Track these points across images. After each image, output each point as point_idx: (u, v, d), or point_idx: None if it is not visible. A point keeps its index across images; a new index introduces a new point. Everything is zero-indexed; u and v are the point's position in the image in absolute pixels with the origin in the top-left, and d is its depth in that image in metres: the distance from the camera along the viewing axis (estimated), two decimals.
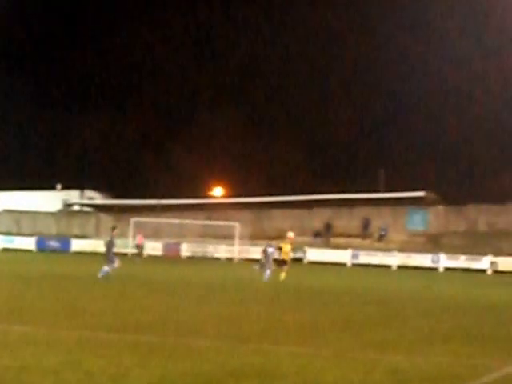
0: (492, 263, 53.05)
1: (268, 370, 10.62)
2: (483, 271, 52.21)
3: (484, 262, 53.43)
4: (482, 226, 66.08)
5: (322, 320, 17.76)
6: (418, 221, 68.50)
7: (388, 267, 55.63)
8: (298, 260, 59.21)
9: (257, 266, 33.50)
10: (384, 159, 75.78)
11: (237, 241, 61.34)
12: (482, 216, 66.74)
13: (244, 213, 71.30)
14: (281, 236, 69.58)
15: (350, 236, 66.57)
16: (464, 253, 55.36)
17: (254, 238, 66.25)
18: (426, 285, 31.50)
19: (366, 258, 58.19)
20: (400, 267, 55.37)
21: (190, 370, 10.43)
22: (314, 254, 59.53)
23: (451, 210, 68.00)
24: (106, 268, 28.27)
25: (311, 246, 62.63)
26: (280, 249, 32.74)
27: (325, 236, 67.32)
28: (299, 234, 70.29)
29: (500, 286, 35.62)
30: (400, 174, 71.93)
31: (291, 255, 33.75)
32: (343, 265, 56.76)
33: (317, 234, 67.84)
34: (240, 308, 20.06)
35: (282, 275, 31.46)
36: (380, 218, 68.03)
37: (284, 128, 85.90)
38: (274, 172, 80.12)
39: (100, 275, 28.08)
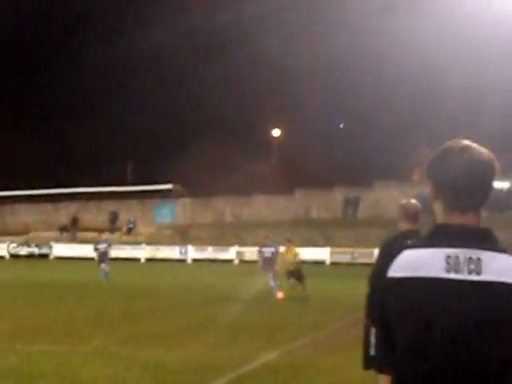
0: (238, 253, 54.65)
1: (24, 370, 10.19)
2: (230, 261, 53.65)
3: (231, 253, 54.93)
4: (228, 218, 67.98)
5: (75, 317, 17.36)
6: (166, 213, 69.22)
7: (137, 260, 55.66)
8: (44, 256, 57.77)
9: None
10: (131, 152, 75.62)
11: None
12: (228, 208, 68.72)
13: None
14: (25, 232, 67.75)
15: (97, 230, 65.75)
16: (212, 244, 56.62)
17: None
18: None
19: (114, 251, 57.57)
20: (149, 260, 55.61)
21: None
22: (60, 249, 58.26)
23: (198, 202, 69.34)
24: None
25: (57, 241, 61.32)
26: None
27: (71, 231, 66.11)
28: (45, 229, 68.75)
29: (246, 275, 36.69)
30: (148, 168, 72.23)
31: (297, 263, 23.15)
32: (91, 259, 55.91)
33: (63, 229, 66.50)
34: None
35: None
36: (128, 212, 68.00)
37: (28, 118, 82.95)
38: (15, 165, 77.15)
39: None
